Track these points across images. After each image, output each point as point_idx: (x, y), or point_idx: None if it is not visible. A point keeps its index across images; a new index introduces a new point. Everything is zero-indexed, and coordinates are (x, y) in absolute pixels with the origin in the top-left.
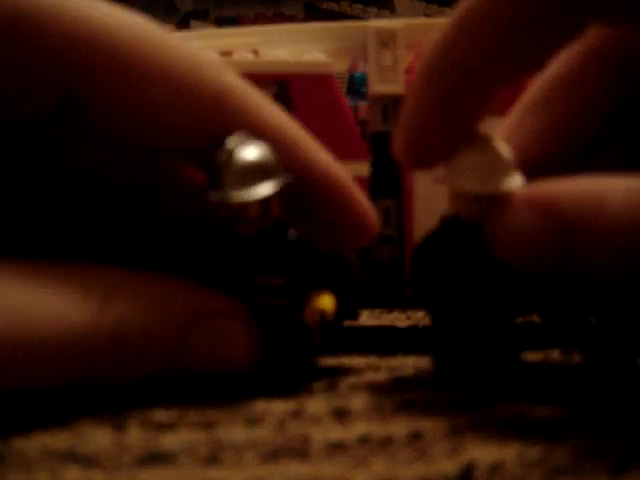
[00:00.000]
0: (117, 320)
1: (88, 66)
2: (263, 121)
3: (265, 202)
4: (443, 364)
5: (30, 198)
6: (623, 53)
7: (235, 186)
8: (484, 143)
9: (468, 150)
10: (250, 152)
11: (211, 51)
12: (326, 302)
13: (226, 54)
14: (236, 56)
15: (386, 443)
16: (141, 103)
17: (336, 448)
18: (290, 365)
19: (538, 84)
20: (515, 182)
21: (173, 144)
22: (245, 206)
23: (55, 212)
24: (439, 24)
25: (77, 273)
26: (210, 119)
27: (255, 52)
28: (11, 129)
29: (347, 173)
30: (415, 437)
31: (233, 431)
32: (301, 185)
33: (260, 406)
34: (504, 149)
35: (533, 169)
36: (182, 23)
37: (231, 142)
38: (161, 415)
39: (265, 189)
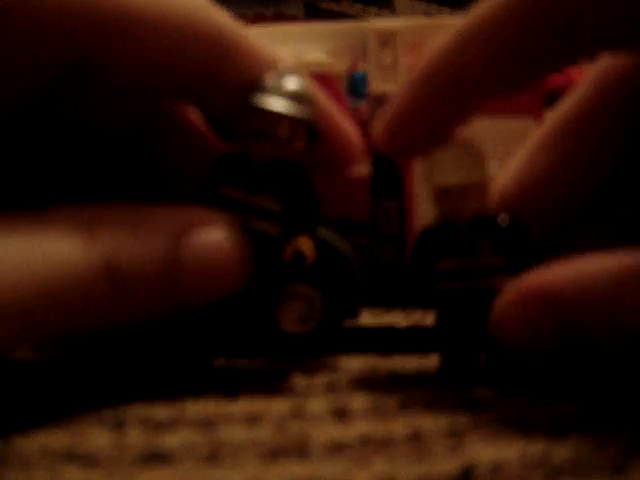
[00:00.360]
0: (105, 249)
1: (95, 30)
2: (258, 58)
3: (296, 125)
4: (448, 361)
5: (35, 152)
6: (635, 86)
7: (275, 99)
8: (459, 142)
9: (444, 148)
10: (296, 81)
11: None
12: (306, 245)
13: None
14: None
15: (386, 443)
16: (144, 51)
17: (336, 448)
18: (261, 294)
19: (550, 121)
20: (483, 175)
21: (175, 85)
22: (280, 118)
23: (59, 163)
24: (439, 24)
25: (56, 215)
26: (209, 59)
27: None
28: (22, 98)
29: (330, 102)
30: (415, 437)
31: (233, 431)
32: None
33: (259, 406)
34: (477, 149)
35: (544, 207)
36: None
37: (281, 69)
38: (161, 414)
39: (302, 113)
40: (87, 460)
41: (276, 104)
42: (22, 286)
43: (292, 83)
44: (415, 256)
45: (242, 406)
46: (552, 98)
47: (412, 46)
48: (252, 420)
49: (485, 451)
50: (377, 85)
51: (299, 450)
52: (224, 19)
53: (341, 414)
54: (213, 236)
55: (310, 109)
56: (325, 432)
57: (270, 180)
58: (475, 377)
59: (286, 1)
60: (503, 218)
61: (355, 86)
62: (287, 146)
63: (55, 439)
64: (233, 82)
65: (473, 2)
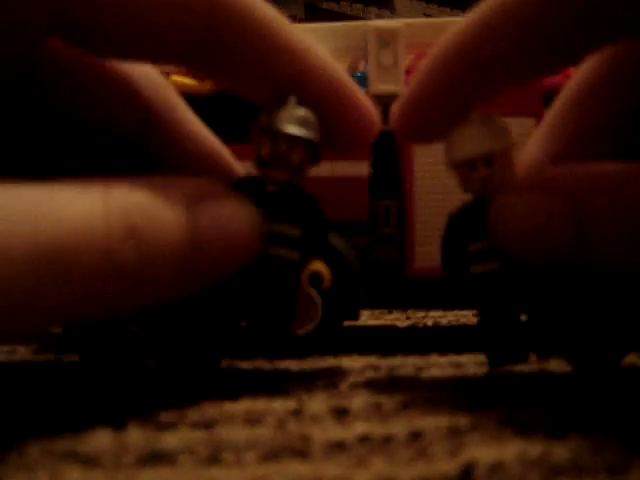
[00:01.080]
0: (123, 206)
1: None
2: (257, 20)
3: (309, 147)
4: (496, 345)
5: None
6: None
7: (291, 125)
8: (477, 116)
9: (463, 124)
10: (305, 110)
11: None
12: (322, 266)
13: None
14: None
15: (386, 443)
16: (138, 14)
17: (336, 448)
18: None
19: (571, 86)
20: (507, 142)
21: (170, 48)
22: (294, 141)
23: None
24: (439, 24)
25: (67, 178)
26: (205, 20)
27: None
28: (8, 66)
29: (344, 71)
30: (415, 437)
31: (234, 431)
32: (302, 84)
33: (260, 406)
34: (497, 119)
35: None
36: None
37: (291, 99)
38: (162, 415)
39: (316, 137)
40: (87, 460)
41: (292, 129)
42: (30, 253)
43: (300, 110)
44: (446, 241)
45: (243, 406)
46: (552, 98)
47: (412, 46)
48: (252, 420)
49: (485, 451)
50: (377, 85)
51: (299, 450)
52: None
53: (341, 414)
54: (229, 206)
55: (318, 134)
56: (325, 432)
57: (285, 205)
58: (521, 353)
59: (286, 1)
60: None
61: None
62: (301, 171)
63: (56, 439)
64: (232, 43)
65: (473, 2)
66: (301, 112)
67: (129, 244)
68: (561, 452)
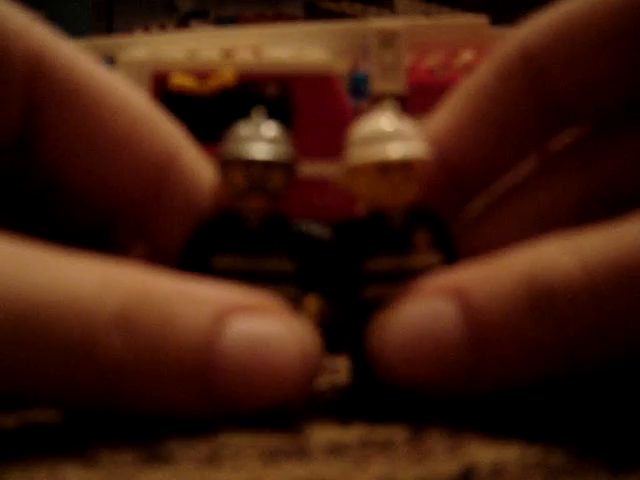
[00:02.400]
0: (126, 292)
1: (48, 94)
2: (205, 189)
3: (288, 170)
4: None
5: None
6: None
7: (262, 149)
8: (378, 114)
9: (360, 122)
10: (271, 125)
11: (212, 51)
12: (312, 304)
13: (228, 54)
14: (238, 56)
15: (386, 444)
16: (92, 153)
17: (336, 448)
18: None
19: (465, 89)
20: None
21: (114, 200)
22: (271, 166)
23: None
24: (441, 25)
25: (76, 253)
26: (153, 182)
27: (256, 51)
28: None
29: None
30: (415, 437)
31: (233, 431)
32: None
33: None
34: (398, 121)
35: (471, 173)
36: (182, 23)
37: (255, 116)
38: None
39: (290, 157)
40: (87, 459)
41: (265, 153)
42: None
43: (269, 128)
44: (335, 255)
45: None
46: None
47: (413, 46)
48: (252, 421)
49: (485, 451)
50: (379, 85)
51: (299, 450)
52: (181, 143)
53: (341, 415)
54: (266, 324)
55: (291, 151)
56: (325, 433)
57: (274, 239)
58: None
59: (286, 1)
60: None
61: (357, 86)
62: (280, 196)
63: (54, 439)
64: (175, 206)
65: (473, 2)
66: (269, 130)
67: (119, 335)
68: (561, 453)
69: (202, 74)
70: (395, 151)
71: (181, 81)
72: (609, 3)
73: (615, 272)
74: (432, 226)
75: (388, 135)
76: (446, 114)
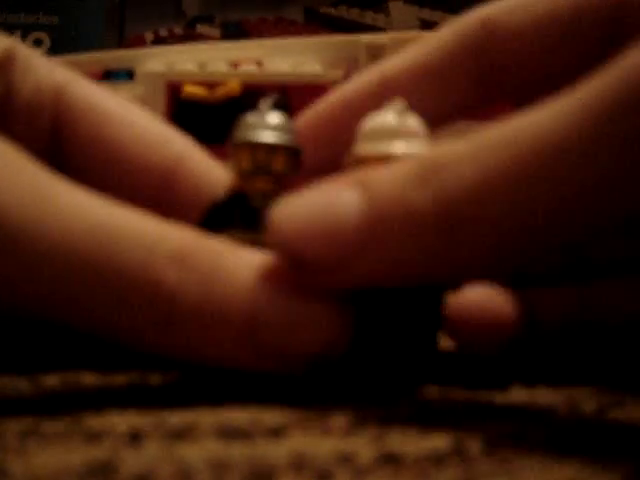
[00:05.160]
0: (181, 238)
1: (69, 117)
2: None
3: (292, 155)
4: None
5: None
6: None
7: (267, 133)
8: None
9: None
10: (277, 114)
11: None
12: None
13: (233, 65)
14: (242, 67)
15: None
16: (104, 160)
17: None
18: None
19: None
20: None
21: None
22: (275, 150)
23: None
24: (424, 37)
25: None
26: (159, 192)
27: (259, 63)
28: None
29: None
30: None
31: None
32: None
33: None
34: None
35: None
36: (189, 27)
37: (263, 105)
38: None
39: (294, 143)
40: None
41: (269, 137)
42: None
43: (274, 116)
44: None
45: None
46: None
47: None
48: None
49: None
50: None
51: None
52: (183, 147)
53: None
54: (302, 304)
55: (296, 139)
56: (332, 443)
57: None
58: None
59: (286, 6)
60: None
61: None
62: (284, 179)
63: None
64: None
65: (466, 6)
66: (275, 118)
67: (173, 268)
68: (564, 470)
69: (211, 84)
70: (399, 147)
71: (192, 90)
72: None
73: (501, 152)
74: None
75: (394, 131)
76: (402, 56)
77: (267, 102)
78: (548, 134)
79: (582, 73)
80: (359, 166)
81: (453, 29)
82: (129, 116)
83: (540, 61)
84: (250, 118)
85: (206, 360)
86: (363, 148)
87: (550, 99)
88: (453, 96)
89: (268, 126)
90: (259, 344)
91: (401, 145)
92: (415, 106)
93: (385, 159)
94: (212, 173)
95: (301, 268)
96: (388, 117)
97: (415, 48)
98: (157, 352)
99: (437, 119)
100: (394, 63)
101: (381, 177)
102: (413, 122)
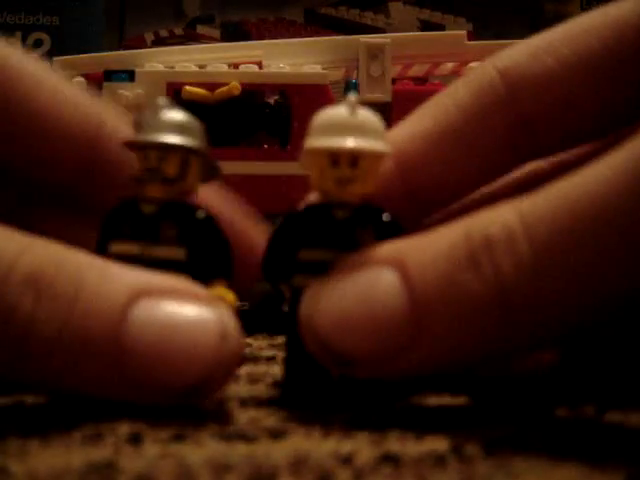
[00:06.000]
0: (39, 256)
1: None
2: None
3: (185, 157)
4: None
5: None
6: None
7: (161, 133)
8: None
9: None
10: (178, 113)
11: (219, 65)
12: (224, 292)
13: (233, 65)
14: (242, 67)
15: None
16: (24, 135)
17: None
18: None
19: (436, 102)
20: (375, 143)
21: (47, 175)
22: (166, 152)
23: None
24: (423, 38)
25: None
26: (87, 154)
27: (259, 64)
28: None
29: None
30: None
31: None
32: None
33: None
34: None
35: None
36: (189, 27)
37: (160, 102)
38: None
39: (189, 142)
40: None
41: (157, 137)
42: None
43: (173, 115)
44: (272, 244)
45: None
46: None
47: (398, 59)
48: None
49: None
50: (367, 93)
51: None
52: (107, 117)
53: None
54: (181, 307)
55: (199, 140)
56: (330, 446)
57: (167, 226)
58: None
59: (287, 7)
60: (387, 214)
61: (350, 90)
62: (179, 183)
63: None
64: (111, 170)
65: (465, 6)
66: (173, 116)
67: (29, 292)
68: (563, 474)
69: (211, 84)
70: (344, 142)
71: (192, 91)
72: (589, 35)
73: (553, 224)
74: (379, 227)
75: (343, 126)
76: (413, 122)
77: (165, 100)
78: (604, 199)
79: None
80: (308, 161)
81: (469, 86)
82: (35, 78)
83: (572, 109)
84: (146, 116)
85: (70, 390)
86: (312, 141)
87: (594, 160)
88: (480, 161)
89: (165, 125)
90: (127, 374)
91: (348, 141)
92: (437, 176)
93: (331, 155)
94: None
95: (344, 364)
96: (340, 112)
97: (427, 112)
98: (20, 382)
99: (464, 187)
100: (405, 133)
101: (420, 256)
102: (368, 119)
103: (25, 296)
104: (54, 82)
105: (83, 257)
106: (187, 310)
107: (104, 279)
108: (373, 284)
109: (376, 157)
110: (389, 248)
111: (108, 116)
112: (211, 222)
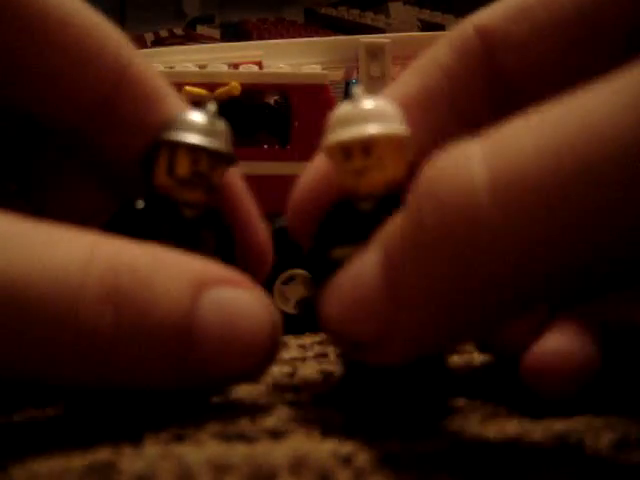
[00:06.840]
0: (110, 262)
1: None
2: (160, 97)
3: (214, 158)
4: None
5: None
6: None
7: (199, 135)
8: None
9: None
10: (222, 122)
11: (218, 65)
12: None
13: (233, 66)
14: (243, 68)
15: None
16: (44, 66)
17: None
18: None
19: (419, 63)
20: (379, 128)
21: (70, 116)
22: (219, 162)
23: None
24: (422, 38)
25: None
26: (108, 94)
27: (259, 64)
28: None
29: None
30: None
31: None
32: None
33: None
34: (384, 104)
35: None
36: (189, 27)
37: (210, 107)
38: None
39: (221, 146)
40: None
41: (208, 144)
42: None
43: (223, 125)
44: (314, 245)
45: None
46: None
47: (398, 59)
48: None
49: None
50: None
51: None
52: (131, 55)
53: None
54: (241, 298)
55: (229, 145)
56: (330, 446)
57: (207, 234)
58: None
59: (287, 7)
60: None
61: (350, 90)
62: (218, 190)
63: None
64: (131, 118)
65: (465, 7)
66: (223, 127)
67: (108, 308)
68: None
69: (211, 84)
70: (346, 134)
71: (193, 91)
72: None
73: (524, 182)
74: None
75: (349, 119)
76: (397, 85)
77: (213, 106)
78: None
79: (601, 70)
80: (331, 159)
81: (450, 45)
82: (66, 11)
83: (549, 65)
84: (193, 119)
85: (128, 387)
86: (325, 139)
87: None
88: (464, 117)
89: (219, 134)
90: (193, 364)
91: (350, 132)
92: (424, 130)
93: (342, 149)
94: (156, 87)
95: (357, 350)
96: (347, 106)
97: (412, 73)
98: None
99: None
100: (393, 93)
101: (392, 229)
102: (374, 107)
103: (105, 315)
104: (85, 16)
105: (149, 252)
106: (246, 298)
107: (169, 274)
108: (358, 267)
109: (390, 141)
110: (381, 233)
111: (134, 55)
112: (228, 231)
